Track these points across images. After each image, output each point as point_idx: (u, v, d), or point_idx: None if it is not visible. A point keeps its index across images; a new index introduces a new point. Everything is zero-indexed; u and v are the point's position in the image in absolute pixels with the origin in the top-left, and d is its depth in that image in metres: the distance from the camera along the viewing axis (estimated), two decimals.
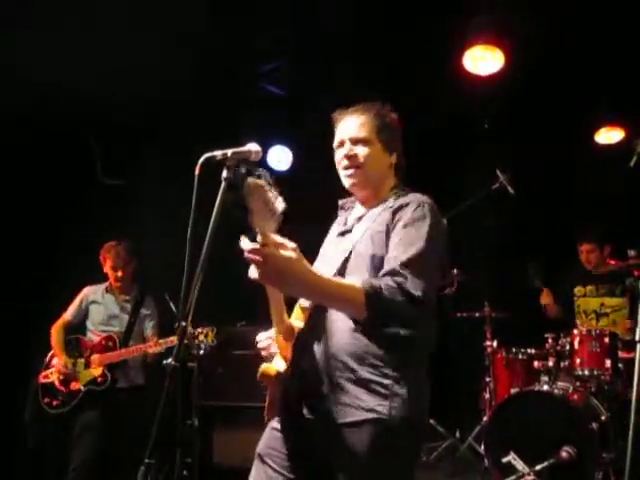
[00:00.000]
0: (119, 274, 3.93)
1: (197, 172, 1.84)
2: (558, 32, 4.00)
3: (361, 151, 1.91)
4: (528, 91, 4.60)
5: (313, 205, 1.99)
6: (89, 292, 3.99)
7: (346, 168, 1.94)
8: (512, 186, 4.31)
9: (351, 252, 1.84)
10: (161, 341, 3.68)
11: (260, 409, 1.96)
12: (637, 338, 1.25)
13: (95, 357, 3.73)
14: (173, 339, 3.58)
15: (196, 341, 3.54)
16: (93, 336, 3.85)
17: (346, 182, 1.96)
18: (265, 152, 5.22)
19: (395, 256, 1.71)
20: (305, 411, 1.80)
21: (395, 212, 1.82)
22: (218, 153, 1.90)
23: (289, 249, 1.56)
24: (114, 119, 4.65)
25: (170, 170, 4.45)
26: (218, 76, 4.47)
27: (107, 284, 4.00)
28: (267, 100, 4.88)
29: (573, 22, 3.95)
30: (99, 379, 3.70)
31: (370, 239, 1.81)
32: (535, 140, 4.93)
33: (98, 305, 3.93)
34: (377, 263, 1.77)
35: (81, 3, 3.51)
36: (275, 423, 1.91)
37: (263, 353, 1.94)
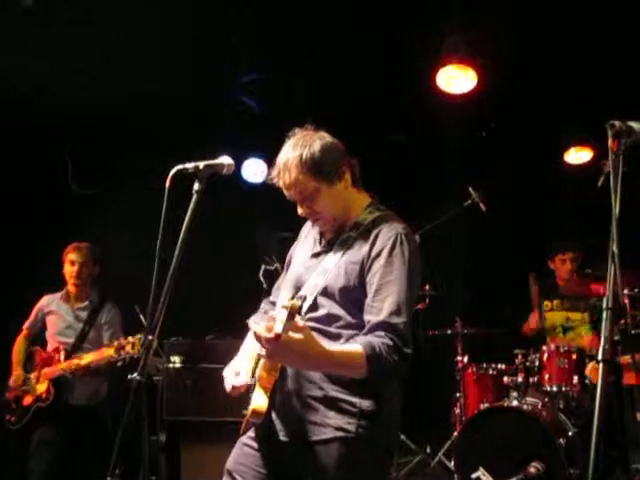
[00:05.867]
0: (76, 269, 3.71)
1: (168, 184, 1.83)
2: (529, 53, 4.09)
3: (312, 204, 1.86)
4: (500, 110, 4.69)
5: (288, 218, 1.98)
6: (45, 302, 3.83)
7: (310, 219, 1.94)
8: (484, 203, 4.38)
9: (323, 289, 1.81)
10: (86, 355, 3.43)
11: (229, 424, 1.95)
12: (600, 357, 1.27)
13: (44, 371, 3.55)
14: (107, 351, 3.35)
15: (122, 352, 3.28)
16: (52, 348, 3.69)
17: (316, 226, 1.96)
18: (240, 164, 5.20)
19: (380, 308, 1.70)
20: (277, 428, 1.80)
21: (372, 245, 1.78)
22: (190, 165, 1.90)
23: (299, 329, 1.55)
24: (86, 128, 4.60)
25: (142, 180, 4.41)
26: (193, 87, 4.46)
27: (64, 292, 3.82)
28: (242, 112, 4.88)
29: (544, 44, 4.04)
30: (43, 395, 3.50)
31: (344, 271, 1.80)
32: (506, 158, 5.01)
33: (54, 315, 3.77)
34: (347, 294, 1.78)
35: (60, 8, 3.48)
36: (245, 439, 1.90)
37: (231, 394, 1.89)
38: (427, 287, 4.60)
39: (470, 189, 4.39)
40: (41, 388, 3.51)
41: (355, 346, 1.66)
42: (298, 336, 1.54)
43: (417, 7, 3.76)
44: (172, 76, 4.27)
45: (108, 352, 3.33)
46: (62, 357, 3.56)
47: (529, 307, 4.60)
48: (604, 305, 1.37)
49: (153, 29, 3.78)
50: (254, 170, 5.26)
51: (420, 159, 5.29)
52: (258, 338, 1.54)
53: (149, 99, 4.37)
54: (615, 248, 1.46)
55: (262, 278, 3.89)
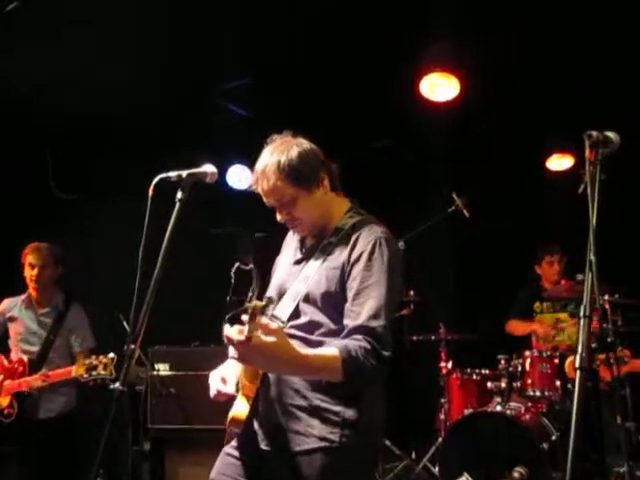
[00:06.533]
0: (35, 272, 3.51)
1: (151, 193, 1.83)
2: (511, 61, 4.14)
3: (291, 211, 1.86)
4: (482, 118, 4.74)
5: (273, 223, 1.98)
6: (7, 306, 3.63)
7: (289, 225, 1.93)
8: (467, 209, 4.41)
9: (305, 295, 1.81)
10: (50, 373, 3.24)
11: (215, 432, 1.93)
12: (577, 365, 1.29)
13: (5, 384, 3.34)
14: (78, 371, 3.17)
15: (94, 372, 3.10)
16: (15, 356, 3.49)
17: (298, 234, 1.97)
18: (225, 171, 5.20)
19: (358, 312, 1.70)
20: (259, 438, 1.80)
21: (352, 249, 1.78)
22: (173, 174, 1.90)
23: (272, 332, 1.54)
24: (69, 134, 4.57)
25: (126, 186, 4.39)
26: (178, 94, 4.46)
27: (25, 296, 3.63)
28: (227, 118, 4.88)
29: (526, 52, 4.09)
30: (6, 411, 3.28)
31: (325, 277, 1.80)
32: (489, 165, 5.06)
33: (16, 322, 3.58)
34: (328, 300, 1.77)
35: (40, 14, 3.46)
36: (228, 448, 1.89)
37: (219, 398, 1.88)
38: (412, 293, 4.63)
39: (454, 195, 4.43)
40: (3, 402, 3.30)
41: (331, 350, 1.65)
42: (271, 339, 1.52)
43: (401, 14, 3.79)
44: (156, 82, 4.26)
45: (78, 371, 3.16)
46: (27, 369, 3.39)
47: (513, 312, 4.64)
48: (581, 313, 1.39)
49: (137, 33, 3.76)
50: (239, 176, 5.27)
51: (405, 165, 5.32)
52: (229, 341, 1.53)
53: (133, 105, 4.36)
54: (592, 256, 1.49)
55: (232, 275, 3.85)
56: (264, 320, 1.54)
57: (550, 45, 4.02)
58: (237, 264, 3.83)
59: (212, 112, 4.80)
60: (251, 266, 3.75)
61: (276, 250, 2.11)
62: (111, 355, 3.11)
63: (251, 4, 3.60)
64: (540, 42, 4.00)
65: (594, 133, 1.68)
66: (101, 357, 3.13)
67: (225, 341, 1.54)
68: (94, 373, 3.10)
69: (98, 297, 4.19)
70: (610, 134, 1.73)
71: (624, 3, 3.59)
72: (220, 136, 4.81)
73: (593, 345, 1.33)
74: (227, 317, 1.57)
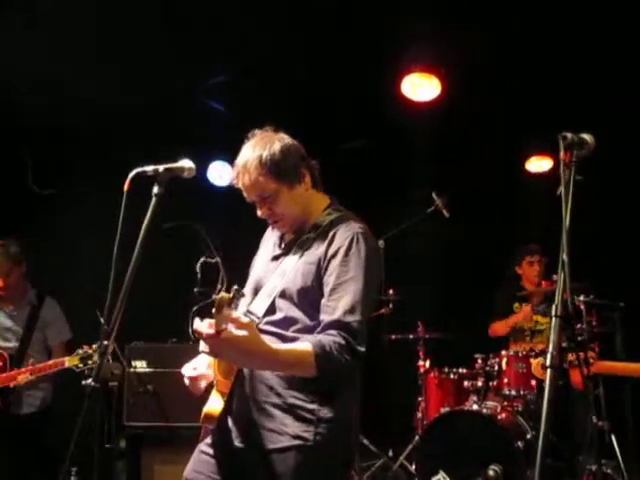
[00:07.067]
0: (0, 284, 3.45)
1: (126, 187, 1.81)
2: (493, 62, 4.17)
3: (272, 206, 1.84)
4: (463, 119, 4.77)
5: (253, 220, 1.97)
6: None
7: (269, 221, 1.92)
8: (447, 209, 4.44)
9: (281, 291, 1.80)
10: (39, 365, 3.20)
11: (192, 429, 1.92)
12: (547, 363, 1.30)
13: None
14: (71, 360, 3.14)
15: (89, 362, 3.07)
16: None
17: (276, 229, 1.95)
18: (205, 167, 5.17)
19: (334, 307, 1.69)
20: (234, 435, 1.79)
21: (329, 245, 1.77)
22: (149, 168, 1.88)
23: (243, 326, 1.52)
24: (46, 127, 4.51)
25: (103, 181, 4.34)
26: (159, 90, 4.42)
27: None
28: (208, 115, 4.85)
29: (507, 53, 4.12)
30: None
31: (301, 272, 1.78)
32: (469, 165, 5.10)
33: None
34: (305, 295, 1.76)
35: (20, 5, 3.41)
36: (202, 446, 1.88)
37: (192, 390, 1.88)
38: (391, 292, 4.64)
39: (434, 195, 4.45)
40: None
41: (304, 344, 1.64)
42: (241, 333, 1.51)
43: (383, 13, 3.80)
44: (137, 77, 4.21)
45: (72, 362, 3.13)
46: (7, 364, 3.35)
47: (492, 312, 4.68)
48: (552, 313, 1.40)
49: (118, 29, 3.72)
50: (220, 173, 5.24)
51: (385, 164, 5.33)
52: (199, 334, 1.51)
53: (114, 100, 4.30)
54: (565, 257, 1.50)
55: (198, 269, 3.84)
56: (235, 314, 1.52)
57: (531, 46, 4.05)
58: (203, 258, 3.81)
59: (193, 109, 4.76)
60: (217, 259, 3.73)
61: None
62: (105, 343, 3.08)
63: (232, 2, 3.59)
64: (521, 43, 4.04)
65: (569, 135, 1.69)
66: (94, 346, 3.09)
67: (195, 335, 1.53)
68: (90, 362, 3.08)
69: (77, 292, 4.14)
70: (585, 136, 1.74)
71: (602, 5, 3.63)
72: (201, 133, 4.78)
73: (564, 344, 1.35)
74: (193, 310, 1.56)
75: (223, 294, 1.48)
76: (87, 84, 3.95)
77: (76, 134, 4.61)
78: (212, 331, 1.47)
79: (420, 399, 4.41)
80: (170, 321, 4.21)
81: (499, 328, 4.61)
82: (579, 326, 3.58)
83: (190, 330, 3.06)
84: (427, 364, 4.49)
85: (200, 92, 4.62)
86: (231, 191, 1.95)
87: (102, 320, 3.68)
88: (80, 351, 3.14)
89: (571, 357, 2.62)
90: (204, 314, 1.59)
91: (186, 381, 1.87)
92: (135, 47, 3.88)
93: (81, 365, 3.11)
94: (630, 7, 3.60)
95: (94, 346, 3.11)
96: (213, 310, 1.48)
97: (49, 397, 3.57)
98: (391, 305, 4.63)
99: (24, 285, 3.63)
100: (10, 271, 3.49)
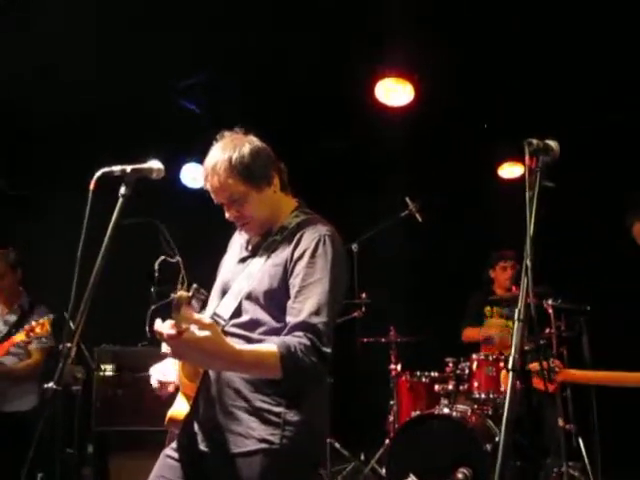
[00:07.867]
0: None
1: (92, 187, 1.78)
2: (466, 69, 4.22)
3: (240, 208, 1.83)
4: (437, 124, 4.82)
5: (227, 221, 1.95)
6: None
7: (237, 223, 1.90)
8: (420, 214, 4.47)
9: (248, 293, 1.79)
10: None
11: (161, 433, 1.90)
12: (510, 366, 1.31)
13: None
14: (18, 337, 3.37)
15: (31, 334, 3.31)
16: None
17: (244, 232, 1.94)
18: (179, 169, 5.13)
19: (300, 309, 1.68)
20: (199, 439, 1.77)
21: (295, 247, 1.76)
22: (117, 168, 1.85)
23: (206, 326, 1.50)
24: (19, 128, 4.44)
25: (77, 183, 4.28)
26: (133, 90, 4.37)
27: None
28: (183, 116, 4.82)
29: (480, 59, 4.18)
30: None
31: (267, 274, 1.77)
32: (443, 171, 5.15)
33: None
34: (271, 297, 1.75)
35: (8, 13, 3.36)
36: (168, 450, 1.85)
37: (159, 392, 1.86)
38: (363, 295, 4.66)
39: (407, 200, 4.48)
40: None
41: (269, 346, 1.62)
42: (203, 334, 1.49)
43: (358, 17, 3.81)
44: (111, 78, 4.17)
45: (19, 337, 3.34)
46: None
47: (463, 316, 4.72)
48: (515, 316, 1.41)
49: (91, 29, 3.69)
50: (193, 175, 5.20)
51: (360, 167, 5.35)
52: (160, 335, 1.49)
53: (87, 100, 4.26)
54: (529, 262, 1.52)
55: (156, 267, 3.80)
56: (197, 314, 1.51)
57: (504, 53, 4.11)
58: (162, 257, 3.78)
59: (166, 110, 4.73)
60: (177, 258, 3.70)
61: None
62: (50, 316, 3.29)
63: (207, 2, 3.57)
64: (494, 50, 4.09)
65: (534, 141, 1.71)
66: (41, 320, 3.31)
67: (157, 336, 1.51)
68: (32, 335, 3.30)
69: (44, 292, 4.08)
70: (550, 142, 1.75)
71: (578, 10, 3.68)
72: (175, 134, 4.75)
73: (526, 347, 1.36)
74: (151, 310, 1.54)
75: (182, 293, 1.46)
76: (62, 86, 3.91)
77: (49, 135, 4.55)
78: (173, 332, 1.45)
79: (392, 402, 4.43)
80: (140, 323, 4.16)
81: (473, 334, 4.64)
82: (548, 330, 3.63)
83: (147, 330, 3.05)
84: (399, 367, 4.50)
85: (174, 93, 4.58)
86: (204, 193, 1.93)
87: (71, 323, 3.65)
88: (27, 326, 3.33)
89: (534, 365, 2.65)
90: (163, 314, 1.57)
91: (153, 382, 1.85)
92: (107, 47, 3.84)
93: (26, 339, 3.35)
94: (598, 14, 3.67)
95: (41, 320, 3.31)
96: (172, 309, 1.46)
97: (33, 399, 3.62)
98: (363, 308, 4.64)
99: (18, 291, 3.80)
100: (5, 274, 3.70)
